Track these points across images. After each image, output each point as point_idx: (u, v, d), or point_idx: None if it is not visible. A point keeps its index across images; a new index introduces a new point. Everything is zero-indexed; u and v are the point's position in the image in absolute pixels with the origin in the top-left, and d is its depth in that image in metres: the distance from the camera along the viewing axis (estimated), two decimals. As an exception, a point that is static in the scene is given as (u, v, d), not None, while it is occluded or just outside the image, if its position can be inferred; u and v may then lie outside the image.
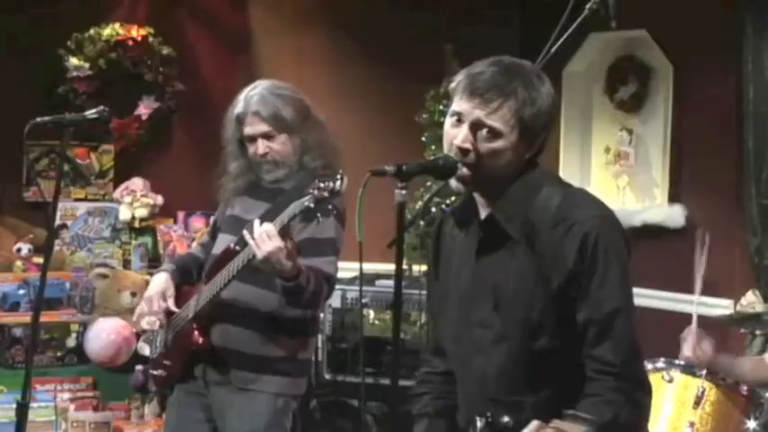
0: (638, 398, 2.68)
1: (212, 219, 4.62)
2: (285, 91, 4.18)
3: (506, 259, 2.77)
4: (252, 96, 4.12)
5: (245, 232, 3.83)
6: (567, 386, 2.70)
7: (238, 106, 4.15)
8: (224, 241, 4.18)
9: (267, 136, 4.10)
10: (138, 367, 5.96)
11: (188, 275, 4.31)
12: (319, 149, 4.17)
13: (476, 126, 2.73)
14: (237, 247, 3.99)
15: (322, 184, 3.65)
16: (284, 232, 3.75)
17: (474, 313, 2.85)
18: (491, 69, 2.75)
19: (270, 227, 3.73)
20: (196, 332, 4.07)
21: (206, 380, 4.15)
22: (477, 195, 2.87)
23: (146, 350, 4.48)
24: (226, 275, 3.95)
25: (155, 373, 4.32)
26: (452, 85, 2.82)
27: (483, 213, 2.84)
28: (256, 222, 3.78)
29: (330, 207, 3.69)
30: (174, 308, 4.17)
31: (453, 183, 2.80)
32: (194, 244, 4.67)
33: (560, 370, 2.72)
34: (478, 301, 2.84)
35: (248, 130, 4.13)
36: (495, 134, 2.72)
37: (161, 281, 4.24)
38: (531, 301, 2.71)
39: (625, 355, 2.66)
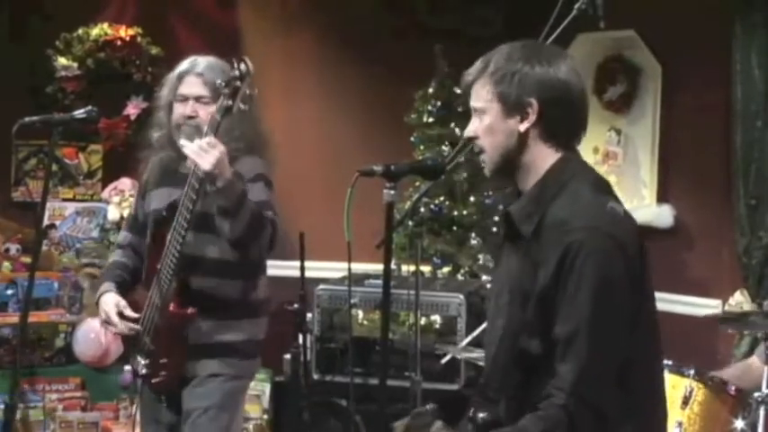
0: (583, 420, 2.55)
1: (129, 212, 4.49)
2: (226, 66, 4.00)
3: (519, 255, 2.75)
4: (200, 61, 4.09)
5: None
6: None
7: (183, 65, 4.10)
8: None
9: (200, 99, 4.01)
10: (127, 367, 5.94)
11: (129, 291, 4.20)
12: (240, 132, 4.01)
13: (473, 113, 2.77)
14: (165, 213, 3.96)
15: (228, 80, 3.67)
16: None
17: (498, 303, 2.82)
18: (490, 56, 2.77)
19: (208, 137, 3.70)
20: (174, 309, 3.95)
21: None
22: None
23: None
24: (178, 231, 3.84)
25: (156, 380, 4.07)
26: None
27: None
28: (191, 144, 3.74)
29: (248, 93, 3.70)
30: (134, 314, 4.04)
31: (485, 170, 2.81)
32: (115, 248, 4.46)
33: (547, 377, 2.63)
34: (502, 291, 2.82)
35: (184, 89, 4.05)
36: (481, 113, 2.74)
37: (109, 297, 4.09)
38: (526, 301, 2.67)
39: (578, 376, 2.55)
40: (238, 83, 3.67)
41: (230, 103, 3.69)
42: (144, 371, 4.07)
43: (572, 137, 2.77)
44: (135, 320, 4.03)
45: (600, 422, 2.58)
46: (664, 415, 2.84)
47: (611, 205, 2.71)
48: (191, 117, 4.01)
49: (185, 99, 4.04)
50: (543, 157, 2.73)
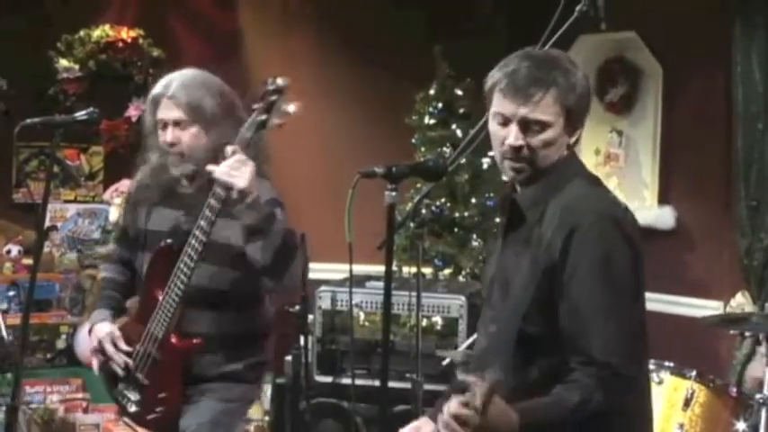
0: (614, 389, 2.64)
1: (117, 223, 4.33)
2: (212, 81, 3.90)
3: (520, 245, 2.81)
4: (173, 79, 3.85)
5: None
6: (552, 371, 2.71)
7: (157, 87, 3.88)
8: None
9: (179, 124, 3.81)
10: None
11: (121, 309, 4.11)
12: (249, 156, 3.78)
13: (524, 123, 2.76)
14: (170, 240, 3.83)
15: (263, 94, 3.55)
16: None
17: (492, 294, 2.92)
18: (525, 64, 2.77)
19: (237, 154, 3.52)
20: (178, 341, 3.81)
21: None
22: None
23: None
24: (188, 261, 3.69)
25: (152, 417, 3.89)
26: (488, 84, 2.84)
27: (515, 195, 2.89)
28: (218, 168, 3.56)
29: (284, 109, 3.57)
30: (127, 347, 3.91)
31: (510, 175, 2.82)
32: (104, 262, 4.33)
33: (546, 356, 2.73)
34: (496, 282, 2.89)
35: (160, 115, 3.85)
36: (543, 126, 2.75)
37: (104, 326, 3.97)
38: (527, 285, 2.74)
39: (605, 349, 2.63)
40: (274, 97, 3.55)
41: (264, 117, 3.56)
42: (134, 408, 3.93)
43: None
44: (128, 354, 3.90)
45: (629, 390, 2.71)
46: (651, 416, 2.95)
47: (613, 196, 2.87)
48: (172, 144, 3.84)
49: (164, 125, 3.86)
50: (563, 151, 2.83)
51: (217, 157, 3.67)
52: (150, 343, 3.84)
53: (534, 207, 2.79)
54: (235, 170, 3.52)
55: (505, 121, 2.78)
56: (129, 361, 3.88)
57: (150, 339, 3.83)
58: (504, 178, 2.87)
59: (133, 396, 3.92)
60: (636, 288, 2.73)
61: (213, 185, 3.61)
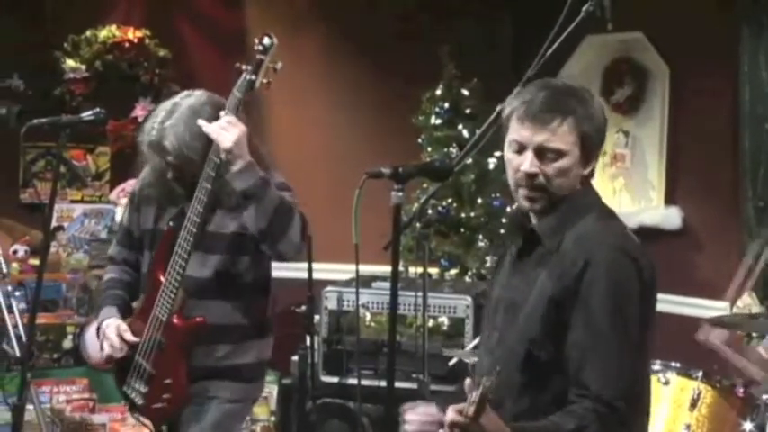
0: (610, 424, 2.64)
1: (120, 224, 4.28)
2: (201, 108, 3.83)
3: (533, 269, 2.82)
4: (170, 123, 3.82)
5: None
6: (561, 395, 2.71)
7: (152, 134, 3.84)
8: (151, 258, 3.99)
9: (175, 167, 3.86)
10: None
11: (129, 311, 4.07)
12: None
13: (540, 150, 2.76)
14: (172, 223, 3.87)
15: (254, 59, 3.66)
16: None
17: (496, 317, 2.91)
18: (543, 93, 2.79)
19: (227, 116, 3.62)
20: (181, 321, 3.80)
21: None
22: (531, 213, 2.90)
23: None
24: (187, 236, 3.72)
25: (157, 406, 3.88)
26: (505, 112, 2.85)
27: (533, 223, 2.89)
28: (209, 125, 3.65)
29: (272, 67, 3.68)
30: (132, 338, 3.88)
31: (526, 205, 2.83)
32: (107, 263, 4.26)
33: (555, 380, 2.73)
34: (500, 305, 2.90)
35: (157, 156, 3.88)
36: (559, 154, 2.76)
37: (111, 321, 3.94)
38: (537, 311, 2.74)
39: (602, 383, 2.64)
40: (261, 56, 3.65)
41: (253, 78, 3.64)
42: (142, 401, 3.92)
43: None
44: (134, 346, 3.90)
45: (624, 426, 2.70)
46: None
47: (625, 229, 2.86)
48: (176, 177, 3.89)
49: (165, 161, 3.88)
50: (578, 180, 2.84)
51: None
52: (155, 328, 3.85)
53: (553, 236, 2.80)
54: (223, 130, 3.61)
55: (521, 149, 2.79)
56: (134, 339, 3.88)
57: (155, 324, 3.85)
58: (524, 205, 2.87)
59: (142, 388, 3.92)
60: (643, 322, 2.73)
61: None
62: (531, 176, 2.77)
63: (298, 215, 3.77)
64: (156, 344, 3.85)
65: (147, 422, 4.00)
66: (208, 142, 3.71)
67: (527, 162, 2.77)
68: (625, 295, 2.69)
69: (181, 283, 3.77)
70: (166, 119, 3.83)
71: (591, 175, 2.86)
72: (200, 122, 3.69)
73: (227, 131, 3.61)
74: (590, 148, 2.80)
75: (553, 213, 2.81)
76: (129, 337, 3.89)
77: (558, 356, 2.71)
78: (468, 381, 2.54)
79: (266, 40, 3.67)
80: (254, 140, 3.90)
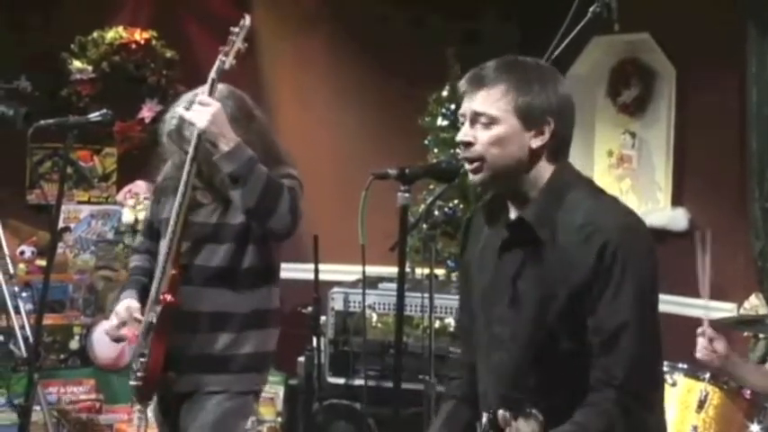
0: (636, 413, 2.63)
1: (145, 217, 4.39)
2: (226, 89, 3.95)
3: (527, 260, 2.75)
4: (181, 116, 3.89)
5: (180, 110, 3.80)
6: (580, 394, 2.67)
7: (172, 123, 3.95)
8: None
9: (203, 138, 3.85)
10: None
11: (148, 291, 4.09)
12: (259, 146, 3.88)
13: (474, 118, 2.71)
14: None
15: (229, 41, 3.70)
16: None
17: (493, 309, 2.83)
18: (488, 63, 2.75)
19: (200, 96, 3.68)
20: (168, 295, 3.84)
21: (171, 397, 4.00)
22: (506, 197, 2.84)
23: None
24: (177, 206, 3.77)
25: (134, 383, 3.96)
26: (459, 89, 2.80)
27: (513, 214, 2.81)
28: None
29: (240, 48, 3.72)
30: (141, 317, 3.91)
31: (471, 178, 2.75)
32: (132, 252, 4.36)
33: (574, 376, 2.68)
34: (498, 297, 2.81)
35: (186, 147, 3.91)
36: (491, 120, 2.69)
37: (126, 300, 3.98)
38: (547, 303, 2.69)
39: (629, 370, 2.61)
40: (233, 38, 3.69)
41: (224, 59, 3.69)
42: (135, 382, 3.96)
43: (567, 151, 2.81)
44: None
45: (651, 414, 2.69)
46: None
47: (621, 202, 2.81)
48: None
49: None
50: (545, 169, 2.75)
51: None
52: (151, 309, 3.89)
53: (543, 225, 2.72)
54: (196, 111, 3.67)
55: (463, 121, 2.75)
56: (140, 317, 3.91)
57: (152, 304, 3.89)
58: (471, 178, 2.78)
59: (140, 371, 3.93)
60: (657, 299, 2.72)
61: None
62: (466, 145, 2.71)
63: (286, 191, 3.79)
64: (150, 324, 3.90)
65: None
66: (232, 102, 3.82)
67: (462, 130, 2.73)
68: (642, 276, 2.65)
69: (168, 261, 3.81)
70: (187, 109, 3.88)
71: (552, 152, 2.74)
72: (179, 110, 3.78)
73: (199, 112, 3.66)
74: (531, 119, 2.69)
75: (535, 203, 2.73)
76: (136, 315, 3.92)
77: (579, 348, 2.66)
78: (501, 413, 2.49)
79: (241, 22, 3.73)
80: (270, 136, 4.00)
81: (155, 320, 3.86)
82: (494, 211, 2.88)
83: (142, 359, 3.91)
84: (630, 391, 2.61)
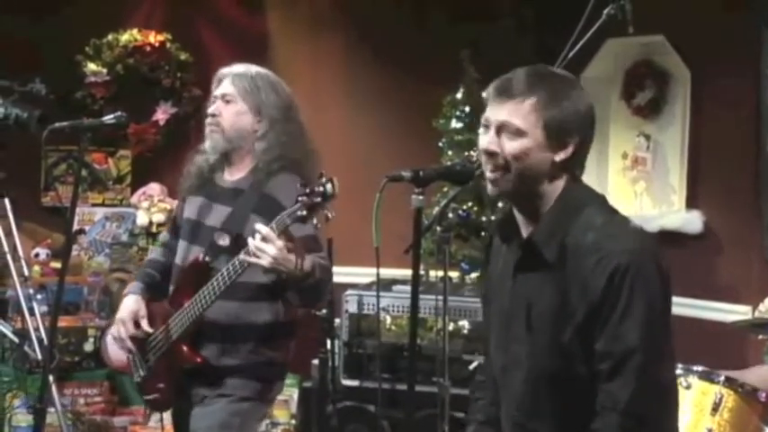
0: None
1: (173, 213, 4.47)
2: (275, 79, 4.08)
3: (541, 281, 2.72)
4: (239, 68, 4.07)
5: (217, 239, 3.83)
6: (589, 417, 2.66)
7: (223, 70, 4.07)
8: (183, 249, 4.04)
9: (224, 97, 3.96)
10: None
11: (157, 290, 4.12)
12: (283, 149, 3.96)
13: (500, 128, 2.69)
14: (208, 258, 3.88)
15: (308, 190, 3.51)
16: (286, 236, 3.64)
17: (512, 329, 2.81)
18: (518, 73, 2.72)
19: (266, 231, 3.56)
20: (187, 351, 3.90)
21: (195, 398, 4.02)
22: (516, 212, 2.81)
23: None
24: (210, 293, 3.78)
25: (149, 397, 4.09)
26: (484, 94, 2.78)
27: (524, 232, 2.79)
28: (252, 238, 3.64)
29: (325, 213, 3.56)
30: (148, 329, 3.99)
31: (489, 188, 2.74)
32: (157, 245, 4.47)
33: (588, 402, 2.66)
34: (515, 317, 2.80)
35: (215, 91, 4.02)
36: (518, 133, 2.66)
37: (131, 302, 4.05)
38: (559, 326, 2.67)
39: (633, 395, 2.59)
40: (318, 199, 3.50)
41: (303, 214, 3.52)
42: (139, 379, 4.09)
43: (584, 166, 2.80)
44: (147, 335, 4.01)
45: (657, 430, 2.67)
46: None
47: (632, 224, 2.76)
48: (213, 116, 3.97)
49: (215, 99, 4.01)
50: (558, 184, 2.74)
51: (258, 149, 3.93)
52: (165, 338, 3.95)
53: (548, 245, 2.70)
54: (259, 250, 3.56)
55: (486, 127, 2.72)
56: (147, 329, 4.00)
57: (167, 335, 3.94)
58: (489, 189, 2.77)
59: (142, 371, 4.06)
60: (667, 321, 2.69)
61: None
62: (490, 155, 2.69)
63: (327, 286, 3.87)
64: (162, 348, 3.98)
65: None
66: (275, 95, 3.98)
67: (486, 139, 2.70)
68: (654, 303, 2.62)
69: (197, 320, 3.84)
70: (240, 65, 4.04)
71: (570, 166, 2.73)
72: (242, 256, 3.66)
73: (262, 252, 3.57)
74: (557, 134, 2.67)
75: (544, 220, 2.72)
76: (144, 324, 4.00)
77: (585, 372, 2.65)
78: None
79: (329, 187, 3.51)
80: (304, 144, 4.13)
81: (167, 353, 3.97)
82: (506, 229, 2.87)
83: (148, 371, 4.03)
84: (634, 415, 2.60)
